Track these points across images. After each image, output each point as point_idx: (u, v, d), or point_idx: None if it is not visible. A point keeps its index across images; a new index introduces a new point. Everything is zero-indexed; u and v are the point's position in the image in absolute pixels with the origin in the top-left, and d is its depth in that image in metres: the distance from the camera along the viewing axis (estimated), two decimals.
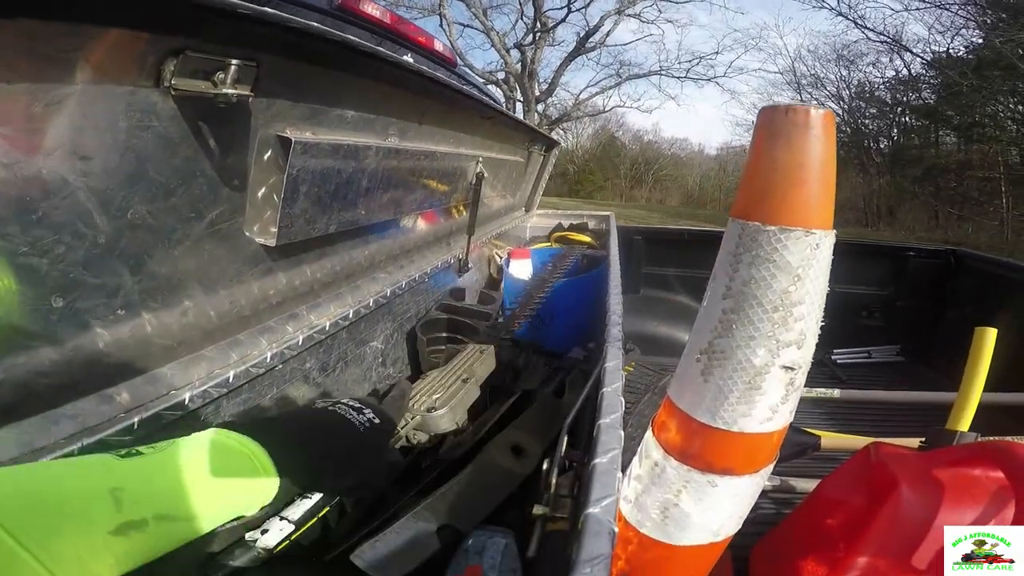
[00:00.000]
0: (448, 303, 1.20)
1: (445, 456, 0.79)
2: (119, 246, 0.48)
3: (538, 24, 11.21)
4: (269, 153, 0.60)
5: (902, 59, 11.03)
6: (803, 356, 0.46)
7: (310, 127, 0.65)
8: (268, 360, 0.65)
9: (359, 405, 0.54)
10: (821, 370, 1.99)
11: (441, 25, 10.77)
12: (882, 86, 11.97)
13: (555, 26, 11.38)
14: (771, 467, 0.52)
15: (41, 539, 0.27)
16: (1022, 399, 1.26)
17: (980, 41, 8.60)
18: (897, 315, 2.13)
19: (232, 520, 0.40)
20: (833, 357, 2.05)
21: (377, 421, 0.55)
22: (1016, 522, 0.50)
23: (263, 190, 0.62)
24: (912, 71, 11.07)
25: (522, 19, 11.58)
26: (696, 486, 0.51)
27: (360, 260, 0.93)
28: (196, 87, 0.46)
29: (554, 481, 0.46)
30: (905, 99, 11.54)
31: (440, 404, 0.80)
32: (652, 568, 0.57)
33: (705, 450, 0.50)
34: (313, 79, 0.63)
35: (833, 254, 0.47)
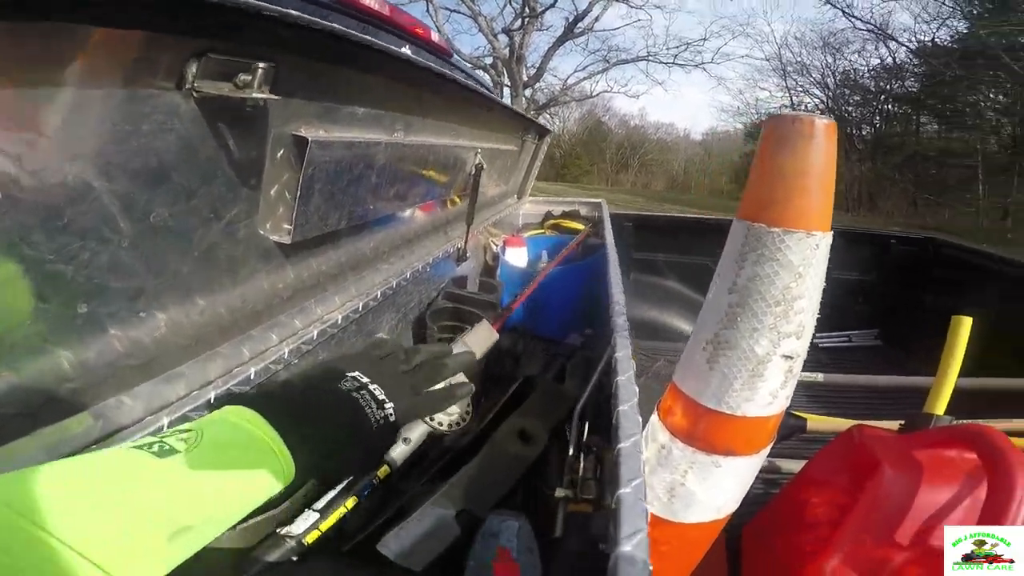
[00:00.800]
0: (453, 291, 1.22)
1: (452, 444, 0.81)
2: (141, 249, 0.48)
3: (526, 9, 11.03)
4: (284, 152, 0.61)
5: (887, 47, 11.16)
6: (802, 346, 0.49)
7: (324, 125, 0.66)
8: (285, 356, 0.66)
9: (383, 398, 0.50)
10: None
11: (427, 10, 10.53)
12: (867, 74, 12.11)
13: (544, 11, 11.22)
14: (769, 448, 0.55)
15: (99, 544, 0.27)
16: (993, 384, 1.33)
17: (965, 31, 8.70)
18: (877, 300, 2.20)
19: (258, 512, 0.40)
20: (815, 341, 2.12)
21: (393, 419, 0.51)
22: (989, 500, 0.54)
23: (278, 188, 0.63)
24: (897, 59, 11.21)
25: (510, 3, 11.38)
26: (701, 466, 0.55)
27: (366, 252, 0.94)
28: (219, 89, 0.47)
29: (581, 465, 0.48)
30: (889, 87, 11.69)
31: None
32: (657, 544, 0.61)
33: (710, 432, 0.53)
34: (327, 78, 0.63)
35: None
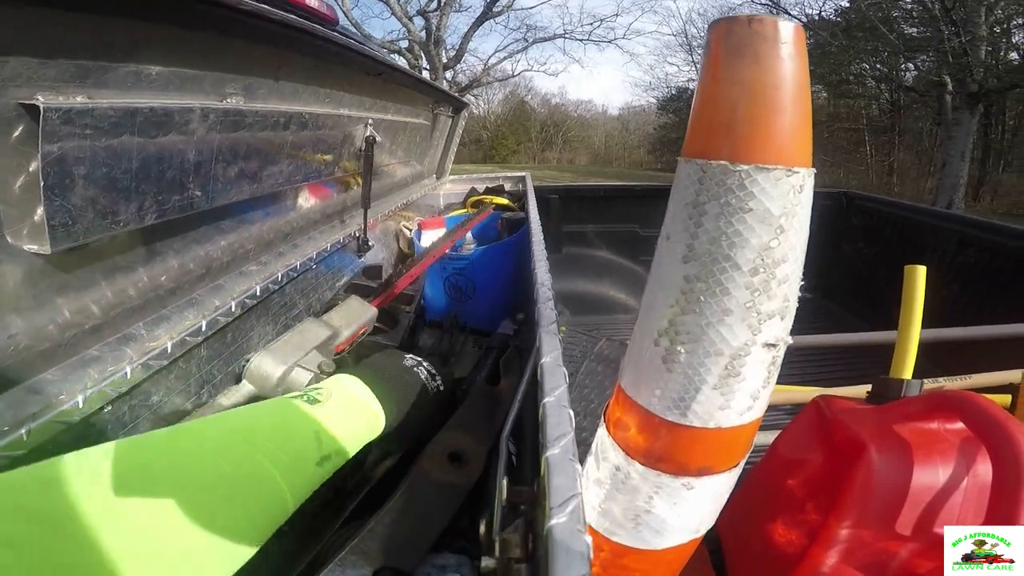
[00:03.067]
0: (359, 283, 1.02)
1: (369, 473, 0.65)
2: None
3: None
4: (11, 129, 0.40)
5: None
6: (785, 328, 0.37)
7: (83, 89, 0.45)
8: (80, 405, 0.46)
9: (433, 371, 0.67)
10: None
11: None
12: None
13: None
14: (748, 454, 0.43)
15: (283, 463, 0.40)
16: (933, 336, 1.29)
17: (847, 4, 9.39)
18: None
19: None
20: None
21: (442, 389, 0.67)
22: (997, 475, 0.46)
23: (20, 181, 0.42)
24: None
25: None
26: (669, 491, 0.41)
27: (215, 255, 0.73)
28: None
29: (497, 539, 0.33)
30: None
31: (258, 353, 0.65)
32: (629, 571, 0.48)
33: (677, 452, 0.40)
34: (82, 24, 0.43)
35: None
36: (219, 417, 0.45)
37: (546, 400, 0.34)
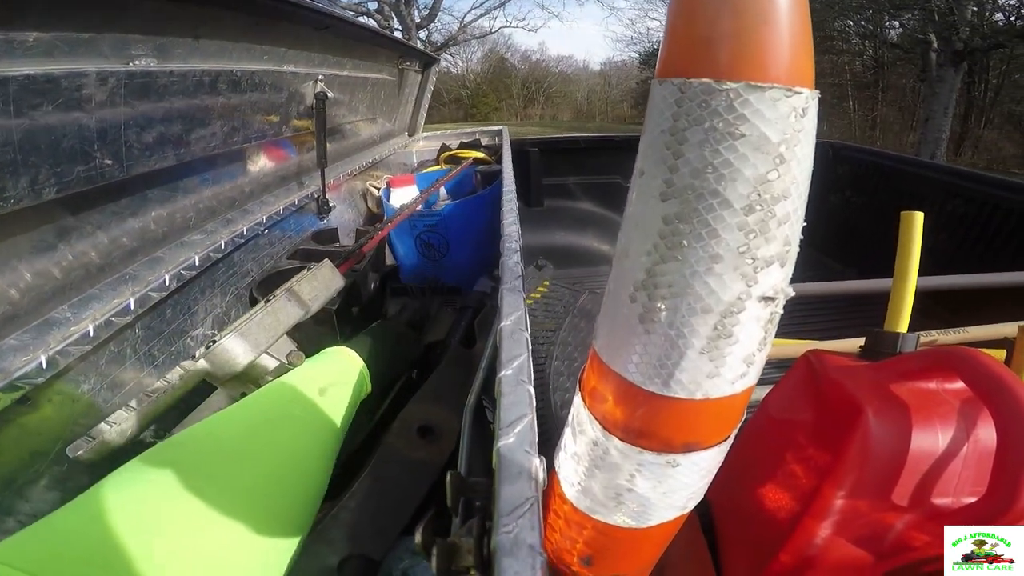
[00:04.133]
0: (306, 247, 0.94)
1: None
2: None
3: None
4: None
5: None
6: (785, 277, 0.31)
7: None
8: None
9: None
10: None
11: None
12: None
13: None
14: (740, 424, 0.38)
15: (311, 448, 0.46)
16: (931, 285, 1.23)
17: None
18: None
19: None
20: None
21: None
22: (1001, 442, 0.42)
23: None
24: None
25: None
26: (652, 469, 0.36)
27: (148, 226, 0.66)
28: None
29: (437, 545, 0.28)
30: None
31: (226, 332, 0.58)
32: (616, 548, 0.45)
33: (659, 426, 0.35)
34: None
35: None
36: (239, 410, 0.47)
37: (502, 374, 0.29)
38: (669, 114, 0.30)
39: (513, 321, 0.34)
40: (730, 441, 0.38)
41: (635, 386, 0.33)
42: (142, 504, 0.31)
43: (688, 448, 0.35)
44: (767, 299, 0.29)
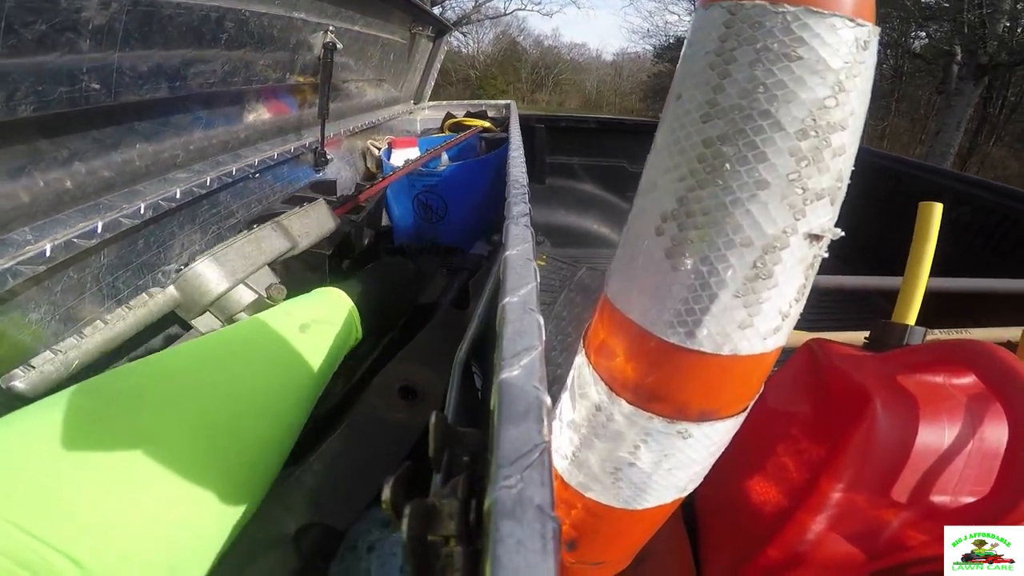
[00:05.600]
0: (302, 195, 0.90)
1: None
2: None
3: None
4: None
5: None
6: (833, 217, 0.27)
7: None
8: None
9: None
10: None
11: None
12: None
13: None
14: (756, 398, 0.35)
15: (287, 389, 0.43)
16: (939, 286, 1.22)
17: None
18: None
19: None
20: None
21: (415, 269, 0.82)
22: (1013, 437, 0.40)
23: None
24: None
25: None
26: (660, 439, 0.33)
27: (131, 159, 0.62)
28: None
29: (409, 507, 0.24)
30: None
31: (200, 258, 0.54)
32: (605, 531, 0.42)
33: (676, 387, 0.31)
34: None
35: None
36: (209, 341, 0.42)
37: (507, 301, 0.25)
38: (716, 35, 0.26)
39: (519, 251, 0.31)
40: (745, 415, 0.34)
41: (654, 336, 0.29)
42: (55, 435, 0.26)
43: (704, 416, 0.32)
44: (814, 237, 0.26)
